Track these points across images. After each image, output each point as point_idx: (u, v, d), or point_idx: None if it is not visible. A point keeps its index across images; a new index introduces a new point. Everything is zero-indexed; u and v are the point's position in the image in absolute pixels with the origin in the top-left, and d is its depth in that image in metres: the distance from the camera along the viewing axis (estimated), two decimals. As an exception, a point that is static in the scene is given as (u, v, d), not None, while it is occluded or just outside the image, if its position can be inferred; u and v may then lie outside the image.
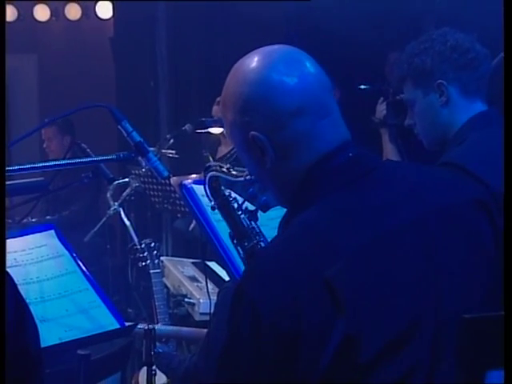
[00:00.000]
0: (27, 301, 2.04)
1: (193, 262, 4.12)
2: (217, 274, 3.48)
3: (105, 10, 7.27)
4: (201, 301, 3.76)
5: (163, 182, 2.26)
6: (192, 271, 4.08)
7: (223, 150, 5.01)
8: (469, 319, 1.44)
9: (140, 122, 6.27)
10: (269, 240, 2.03)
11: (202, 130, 4.35)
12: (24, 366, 1.20)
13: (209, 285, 3.62)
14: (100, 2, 7.29)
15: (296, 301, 1.39)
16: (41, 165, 1.90)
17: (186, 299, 3.87)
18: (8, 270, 2.19)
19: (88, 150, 2.32)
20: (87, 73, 7.05)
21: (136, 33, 6.54)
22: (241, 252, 2.02)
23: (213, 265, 3.48)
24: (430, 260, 1.49)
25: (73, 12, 7.43)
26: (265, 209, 2.05)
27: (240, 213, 2.02)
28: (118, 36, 6.79)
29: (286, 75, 1.56)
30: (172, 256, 4.48)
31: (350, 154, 1.55)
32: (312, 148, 1.56)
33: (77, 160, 1.90)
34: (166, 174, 2.18)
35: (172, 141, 5.08)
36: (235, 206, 2.04)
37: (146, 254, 3.68)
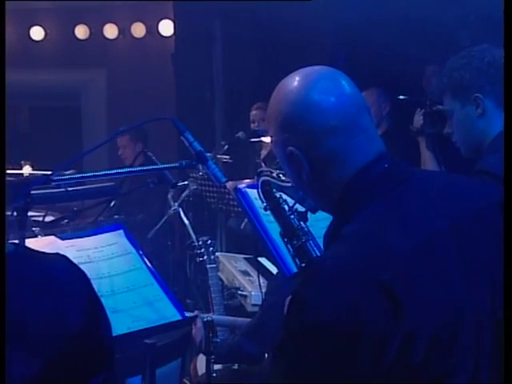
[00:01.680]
0: (99, 294, 2.08)
1: (245, 258, 4.12)
2: (267, 269, 3.47)
3: (167, 28, 7.32)
4: (252, 293, 3.76)
5: (219, 185, 2.25)
6: (244, 266, 4.08)
7: (263, 153, 5.04)
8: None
9: (197, 130, 6.32)
10: (316, 239, 2.03)
11: (255, 139, 4.36)
12: (99, 354, 1.20)
13: (260, 279, 3.63)
14: (163, 21, 7.34)
15: (355, 304, 1.37)
16: (114, 171, 1.90)
17: (239, 291, 3.87)
18: (82, 265, 2.23)
19: (153, 158, 2.33)
20: (151, 85, 7.10)
21: (195, 49, 6.54)
22: (290, 249, 2.00)
23: (263, 260, 3.48)
24: (465, 260, 1.47)
25: (138, 30, 7.51)
26: (314, 210, 2.04)
27: (290, 214, 2.01)
28: (178, 52, 6.81)
29: (323, 95, 1.54)
30: (226, 252, 4.48)
31: (386, 165, 1.53)
32: (348, 163, 1.53)
33: (144, 168, 1.91)
34: (223, 180, 2.18)
35: (226, 147, 5.10)
36: (286, 207, 2.02)
37: (203, 250, 3.69)
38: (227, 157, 4.94)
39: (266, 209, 2.08)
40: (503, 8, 1.85)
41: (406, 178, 1.54)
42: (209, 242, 3.72)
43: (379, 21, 5.26)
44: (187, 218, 4.10)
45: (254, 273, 3.89)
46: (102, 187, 2.14)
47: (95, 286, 2.13)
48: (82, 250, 2.14)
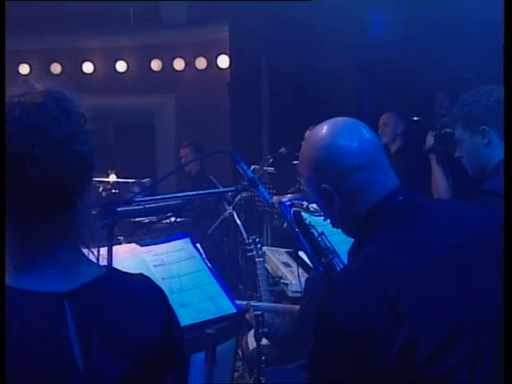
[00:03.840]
0: (170, 291, 2.07)
1: (286, 251, 4.08)
2: (304, 261, 3.43)
3: (224, 62, 7.29)
4: (293, 282, 3.73)
5: (266, 204, 2.22)
6: (286, 258, 4.05)
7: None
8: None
9: (247, 145, 6.34)
10: (341, 256, 2.00)
11: (296, 162, 4.34)
12: (172, 357, 1.19)
13: (299, 270, 3.59)
14: (220, 56, 7.32)
15: (366, 314, 1.35)
16: (185, 194, 1.89)
17: (282, 280, 3.84)
18: (157, 267, 2.22)
19: (214, 181, 2.32)
20: (211, 107, 7.10)
21: (246, 78, 6.55)
22: (320, 266, 1.96)
23: (301, 254, 3.44)
24: (465, 279, 1.43)
25: (201, 63, 7.50)
26: None
27: (318, 236, 1.97)
28: (233, 81, 6.82)
29: (348, 140, 1.52)
30: (271, 246, 4.44)
31: (401, 198, 1.51)
32: (370, 195, 1.51)
33: (209, 191, 1.90)
34: (270, 201, 2.15)
35: (271, 160, 5.08)
36: (314, 231, 1.99)
37: (252, 246, 3.66)
38: (272, 168, 4.91)
39: (297, 232, 2.04)
40: (503, 9, 1.74)
41: (417, 208, 1.52)
42: (257, 239, 3.70)
43: (397, 58, 5.19)
44: (239, 219, 4.07)
45: (294, 264, 3.85)
46: (173, 204, 2.12)
47: (167, 285, 2.14)
48: (157, 255, 2.13)
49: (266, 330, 2.38)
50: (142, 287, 1.17)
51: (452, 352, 1.36)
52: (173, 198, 1.83)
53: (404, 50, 5.13)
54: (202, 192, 1.90)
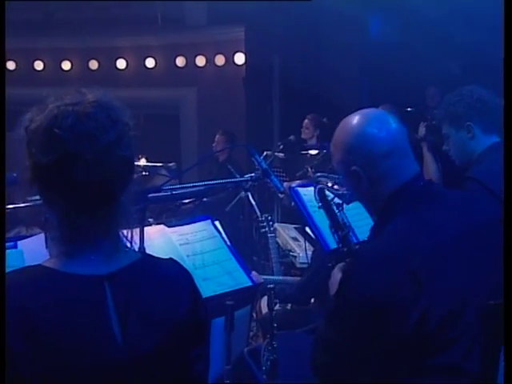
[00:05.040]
0: (194, 267, 2.07)
1: (295, 227, 4.08)
2: (311, 237, 3.43)
3: (240, 59, 7.21)
4: (300, 254, 3.74)
5: (278, 191, 2.20)
6: (294, 233, 4.04)
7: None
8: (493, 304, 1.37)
9: (260, 133, 6.31)
10: (355, 232, 1.99)
11: (304, 152, 4.32)
12: (197, 332, 1.20)
13: (306, 244, 3.60)
14: (237, 53, 7.23)
15: (389, 284, 1.35)
16: (206, 183, 1.89)
17: (291, 253, 3.85)
18: (183, 246, 2.22)
19: (233, 171, 2.32)
20: (228, 99, 7.03)
21: (259, 74, 6.48)
22: (336, 238, 1.95)
23: (309, 230, 3.44)
24: (471, 258, 1.44)
25: (220, 60, 7.41)
26: (348, 202, 1.98)
27: (338, 212, 1.96)
28: (248, 76, 6.75)
29: (378, 129, 1.52)
30: (281, 222, 4.44)
31: (421, 184, 1.52)
32: (395, 179, 1.51)
33: (227, 180, 1.90)
34: (281, 189, 2.14)
35: (282, 146, 5.05)
36: (334, 207, 1.97)
37: (265, 224, 3.67)
38: (282, 154, 4.88)
39: (319, 207, 2.03)
40: (503, 9, 1.70)
41: (435, 194, 1.52)
42: (269, 217, 3.70)
43: (393, 57, 5.12)
44: (254, 200, 4.07)
45: (301, 239, 3.85)
46: (197, 191, 2.12)
47: (191, 261, 2.14)
48: (182, 235, 2.13)
49: (278, 300, 2.40)
50: (172, 271, 1.18)
51: (459, 321, 1.38)
52: (197, 186, 1.84)
53: (399, 49, 5.07)
54: (222, 181, 1.90)
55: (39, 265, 1.10)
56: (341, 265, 1.71)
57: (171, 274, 1.17)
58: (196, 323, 1.17)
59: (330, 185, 1.89)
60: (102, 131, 1.08)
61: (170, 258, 1.22)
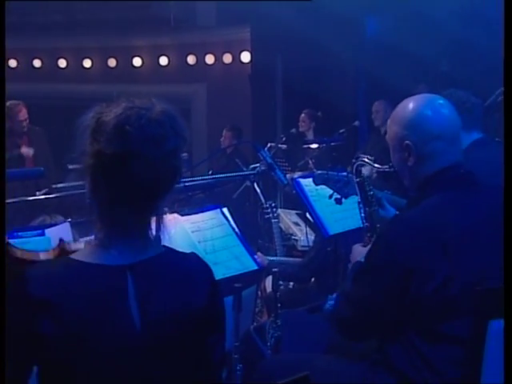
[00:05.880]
0: (205, 252, 2.06)
1: (296, 213, 4.08)
2: (311, 221, 3.43)
3: (246, 57, 7.15)
4: (301, 238, 3.74)
5: (281, 184, 2.18)
6: (296, 219, 4.04)
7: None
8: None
9: (265, 126, 6.29)
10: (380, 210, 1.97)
11: (306, 145, 4.29)
12: (215, 321, 1.19)
13: (307, 228, 3.59)
14: (243, 52, 7.18)
15: (419, 249, 1.39)
16: (218, 176, 1.88)
17: (293, 237, 3.85)
18: (195, 233, 2.21)
19: (240, 164, 2.31)
20: (235, 94, 6.99)
21: (264, 72, 6.44)
22: (363, 213, 1.92)
23: (308, 215, 3.43)
24: (489, 245, 1.47)
25: (227, 58, 7.36)
26: (346, 197, 2.07)
27: (369, 190, 1.93)
28: (253, 73, 6.70)
29: (434, 112, 1.53)
30: (283, 208, 4.43)
31: (462, 171, 1.54)
32: (440, 161, 1.52)
33: (235, 174, 1.90)
34: (285, 182, 2.13)
35: (284, 139, 5.02)
36: (367, 185, 1.93)
37: (269, 210, 3.65)
38: (284, 145, 4.86)
39: (357, 182, 1.92)
40: (503, 8, 1.67)
41: (472, 182, 1.55)
42: (273, 204, 3.69)
43: (386, 56, 5.07)
44: (259, 187, 4.06)
45: (302, 224, 3.86)
46: (206, 183, 2.11)
47: (203, 247, 2.13)
48: (194, 223, 2.12)
49: (281, 282, 2.41)
50: (192, 264, 1.17)
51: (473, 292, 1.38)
52: (206, 179, 1.84)
53: (392, 49, 5.01)
54: (230, 175, 1.90)
55: (68, 257, 1.10)
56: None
57: (192, 268, 1.16)
58: (214, 314, 1.16)
59: (367, 160, 1.85)
60: (166, 138, 1.08)
61: (192, 253, 1.21)
